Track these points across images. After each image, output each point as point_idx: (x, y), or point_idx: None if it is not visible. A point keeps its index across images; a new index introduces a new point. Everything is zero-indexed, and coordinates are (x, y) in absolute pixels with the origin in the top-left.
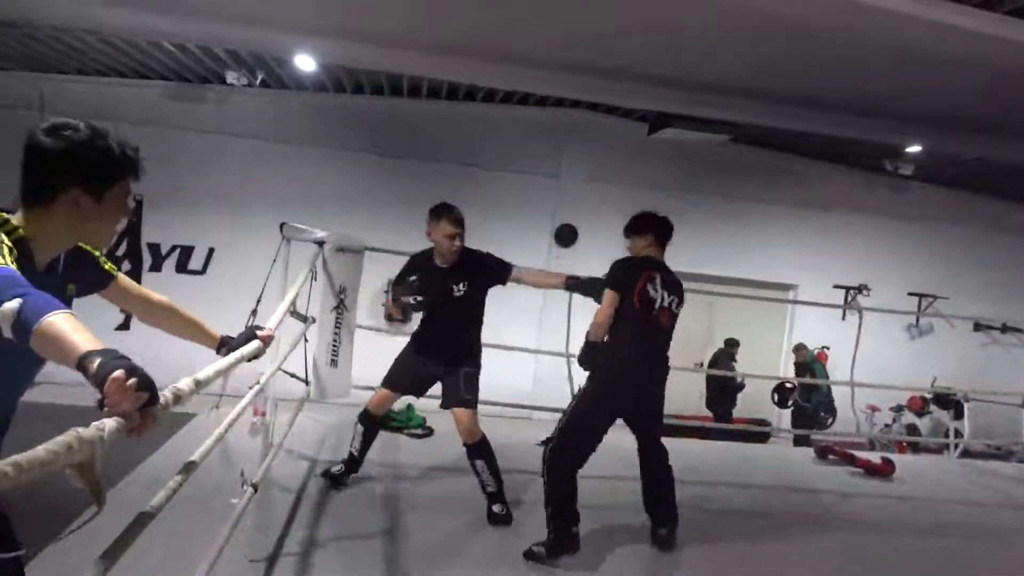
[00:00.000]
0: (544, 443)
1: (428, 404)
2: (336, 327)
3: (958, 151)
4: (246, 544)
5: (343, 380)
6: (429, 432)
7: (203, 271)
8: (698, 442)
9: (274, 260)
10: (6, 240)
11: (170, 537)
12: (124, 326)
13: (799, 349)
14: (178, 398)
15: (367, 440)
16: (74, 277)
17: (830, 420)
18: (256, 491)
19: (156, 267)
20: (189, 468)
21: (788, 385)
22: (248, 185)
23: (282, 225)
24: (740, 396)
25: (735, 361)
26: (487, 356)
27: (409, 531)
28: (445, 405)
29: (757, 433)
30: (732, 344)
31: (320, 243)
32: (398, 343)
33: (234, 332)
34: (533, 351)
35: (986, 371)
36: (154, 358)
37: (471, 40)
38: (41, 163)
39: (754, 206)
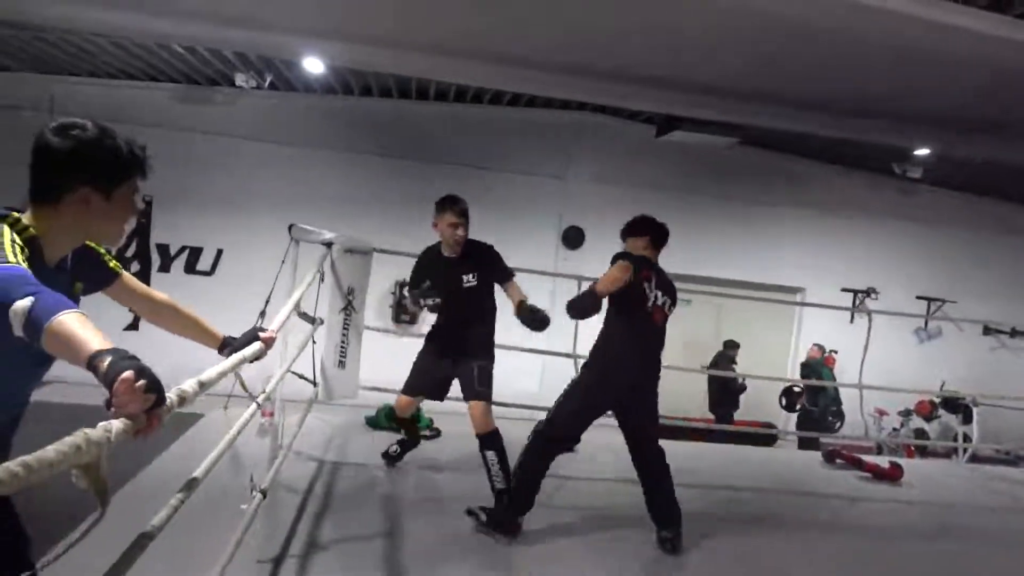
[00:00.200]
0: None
1: (435, 405)
2: (344, 328)
3: (958, 152)
4: (255, 546)
5: (351, 381)
6: (437, 433)
7: (212, 272)
8: (702, 445)
9: (282, 261)
10: (17, 239)
11: (178, 543)
12: (133, 326)
13: (815, 349)
14: (183, 400)
15: (407, 425)
16: (81, 275)
17: (838, 424)
18: (265, 497)
19: (165, 268)
20: (192, 485)
21: (796, 389)
22: (256, 187)
23: (290, 226)
24: (744, 398)
25: (735, 363)
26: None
27: (415, 532)
28: (466, 398)
29: (764, 436)
30: (731, 346)
31: (328, 244)
32: (406, 344)
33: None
34: (540, 352)
35: (995, 375)
36: (162, 359)
37: (470, 41)
38: (50, 162)
39: (762, 209)
